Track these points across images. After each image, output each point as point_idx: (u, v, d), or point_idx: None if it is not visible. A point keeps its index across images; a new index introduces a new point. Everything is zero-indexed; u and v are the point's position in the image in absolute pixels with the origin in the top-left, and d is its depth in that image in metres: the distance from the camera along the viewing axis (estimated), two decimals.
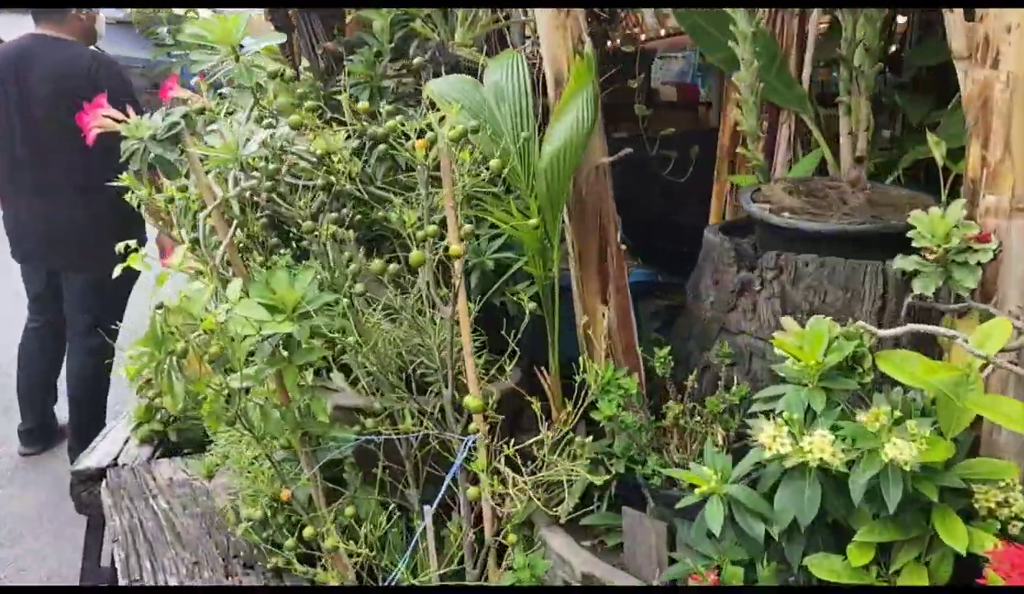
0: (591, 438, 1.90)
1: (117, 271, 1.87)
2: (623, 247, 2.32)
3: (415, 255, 1.66)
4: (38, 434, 3.92)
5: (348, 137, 2.08)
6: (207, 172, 1.83)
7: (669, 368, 2.02)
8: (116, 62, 3.60)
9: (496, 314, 2.38)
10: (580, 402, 1.97)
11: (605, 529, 2.09)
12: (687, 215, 3.76)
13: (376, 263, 1.80)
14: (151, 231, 3.62)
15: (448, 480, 1.86)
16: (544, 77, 2.33)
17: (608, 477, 1.98)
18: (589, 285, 2.32)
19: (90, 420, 3.68)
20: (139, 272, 3.77)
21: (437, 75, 2.45)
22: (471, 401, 1.58)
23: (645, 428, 1.94)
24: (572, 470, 1.78)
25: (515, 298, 2.36)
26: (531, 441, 1.72)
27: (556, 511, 1.86)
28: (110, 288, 3.65)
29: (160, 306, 1.67)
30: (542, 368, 2.23)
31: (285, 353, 1.84)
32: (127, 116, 1.75)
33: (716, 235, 2.32)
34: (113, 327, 3.77)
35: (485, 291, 2.30)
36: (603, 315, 2.30)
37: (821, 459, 1.38)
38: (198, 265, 1.68)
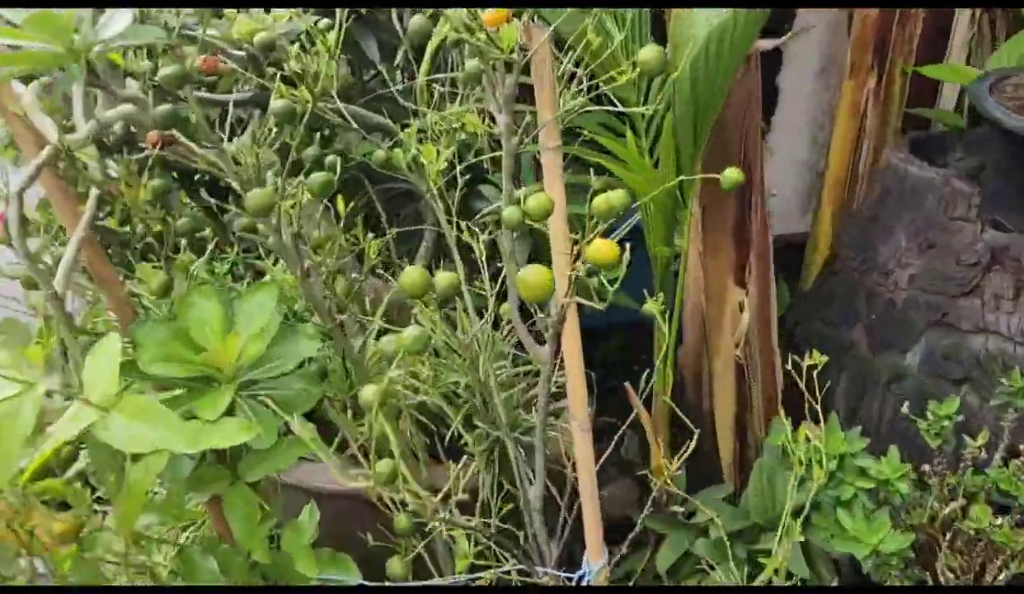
0: None
1: None
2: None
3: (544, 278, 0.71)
4: None
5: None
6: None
7: (951, 438, 1.14)
8: None
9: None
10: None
11: None
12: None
13: (431, 275, 0.84)
14: None
15: None
16: None
17: None
18: (718, 253, 1.42)
19: None
20: None
21: None
22: None
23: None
24: None
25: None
26: None
27: None
28: None
29: None
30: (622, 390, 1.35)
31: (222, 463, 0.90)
32: None
33: (920, 167, 1.43)
34: None
35: None
36: (740, 307, 1.41)
37: None
38: None
